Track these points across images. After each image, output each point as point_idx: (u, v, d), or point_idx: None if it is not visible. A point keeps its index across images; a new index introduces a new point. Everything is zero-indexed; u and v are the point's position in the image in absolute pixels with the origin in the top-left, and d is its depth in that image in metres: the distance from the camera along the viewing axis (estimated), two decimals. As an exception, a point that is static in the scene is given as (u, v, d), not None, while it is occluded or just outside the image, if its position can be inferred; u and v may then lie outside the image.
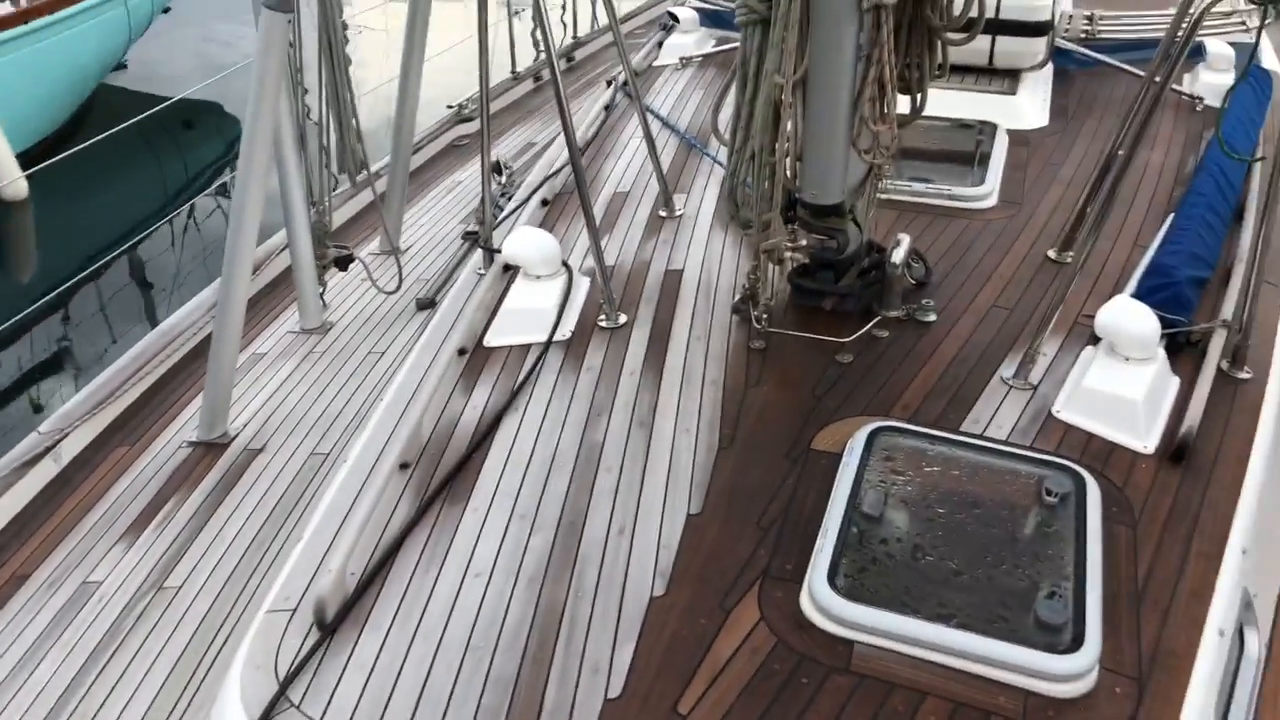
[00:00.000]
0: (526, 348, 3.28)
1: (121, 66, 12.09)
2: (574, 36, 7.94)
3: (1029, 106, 4.76)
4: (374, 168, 5.52)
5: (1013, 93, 4.80)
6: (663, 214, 4.08)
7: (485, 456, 2.82)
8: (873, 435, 2.70)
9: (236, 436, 3.57)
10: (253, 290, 4.53)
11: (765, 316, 3.18)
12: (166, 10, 12.36)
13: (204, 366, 3.56)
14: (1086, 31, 5.19)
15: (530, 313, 3.36)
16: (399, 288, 4.31)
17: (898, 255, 3.25)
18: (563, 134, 3.48)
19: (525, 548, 2.51)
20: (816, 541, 2.40)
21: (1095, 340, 3.06)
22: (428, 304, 4.27)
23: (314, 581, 2.43)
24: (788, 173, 3.06)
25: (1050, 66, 5.02)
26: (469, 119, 6.29)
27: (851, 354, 3.12)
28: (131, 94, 11.66)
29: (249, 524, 3.16)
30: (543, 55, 7.73)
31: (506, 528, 2.57)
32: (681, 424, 2.89)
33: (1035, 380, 3.02)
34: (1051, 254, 3.67)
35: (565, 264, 3.53)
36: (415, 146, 5.88)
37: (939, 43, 3.11)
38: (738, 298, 3.35)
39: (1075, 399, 2.89)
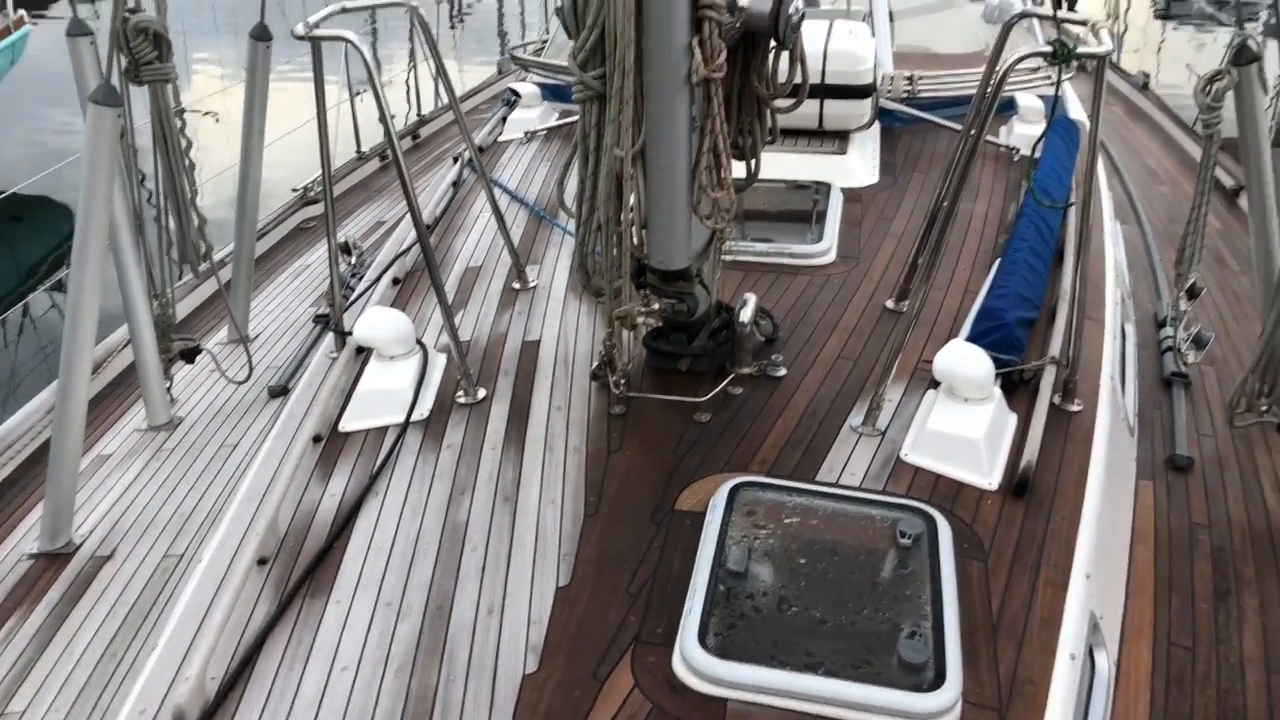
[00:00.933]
0: (384, 430, 3.24)
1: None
2: (419, 114, 7.98)
3: (859, 165, 4.99)
4: (218, 255, 5.43)
5: (843, 153, 5.03)
6: (516, 286, 4.11)
7: (346, 546, 2.77)
8: (733, 491, 2.76)
9: (82, 544, 3.41)
10: (96, 388, 4.37)
11: (623, 381, 3.23)
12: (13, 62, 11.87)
13: (44, 473, 3.40)
14: (908, 91, 5.48)
15: (386, 394, 3.33)
16: (249, 377, 4.21)
17: (745, 314, 3.35)
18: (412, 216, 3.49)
19: (392, 636, 2.46)
20: (685, 603, 2.43)
21: (935, 384, 3.20)
22: (280, 391, 4.18)
23: (172, 689, 2.33)
24: (634, 241, 3.13)
25: (877, 126, 5.28)
26: (315, 201, 6.23)
27: (709, 413, 3.19)
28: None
29: (99, 636, 3.01)
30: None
31: (372, 617, 2.52)
32: (546, 495, 2.89)
33: (883, 426, 3.14)
34: (889, 304, 3.84)
35: (420, 342, 3.52)
36: (261, 231, 5.79)
37: (768, 111, 3.24)
38: (595, 365, 3.40)
39: (921, 442, 3.02)
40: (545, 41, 7.18)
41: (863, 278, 4.04)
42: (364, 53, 3.39)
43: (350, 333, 3.60)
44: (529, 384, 3.42)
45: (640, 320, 3.14)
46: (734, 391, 3.29)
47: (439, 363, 3.53)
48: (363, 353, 3.58)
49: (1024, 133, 5.35)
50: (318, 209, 6.17)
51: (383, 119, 3.43)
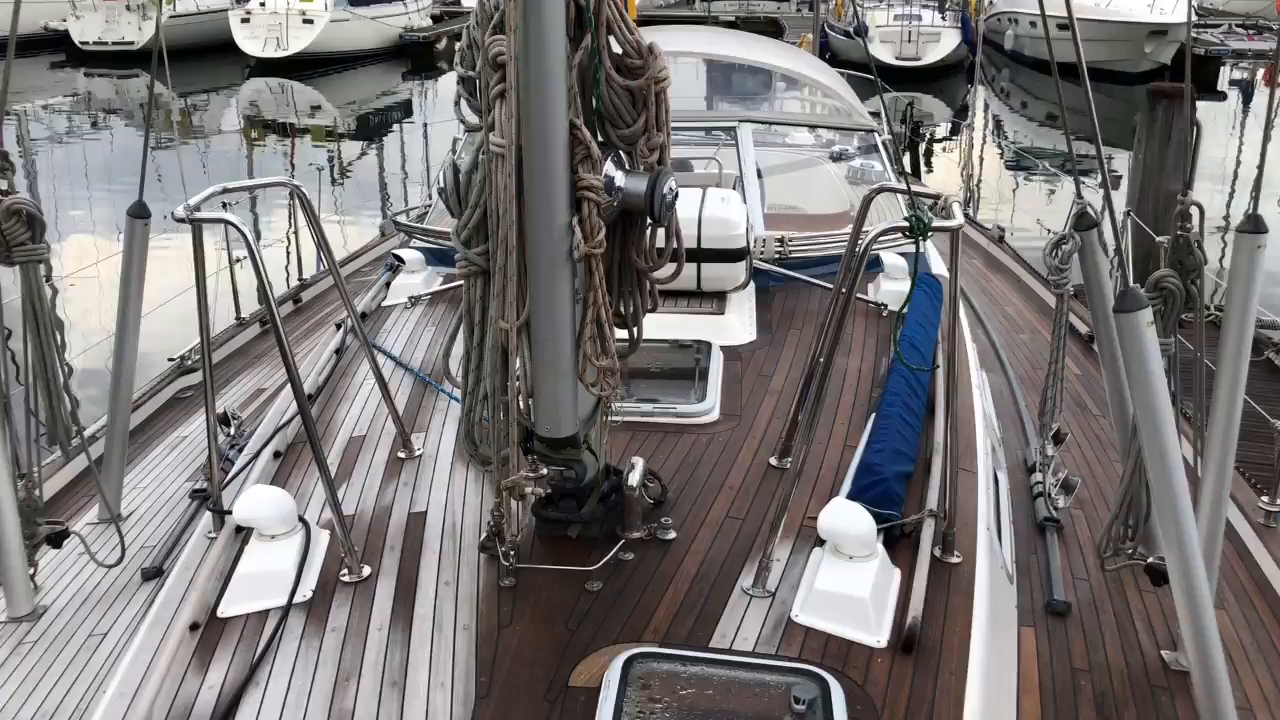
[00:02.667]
0: (265, 614, 3.13)
1: None
2: (300, 278, 7.97)
3: (737, 324, 5.15)
4: (90, 430, 5.25)
5: (722, 312, 5.19)
6: (402, 455, 4.07)
7: None
8: (627, 664, 2.74)
9: None
10: None
11: (512, 553, 3.20)
12: None
13: None
14: (779, 252, 5.73)
15: (267, 576, 3.23)
16: (121, 559, 4.04)
17: (634, 477, 3.38)
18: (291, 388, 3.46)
19: None
20: None
21: (820, 541, 3.26)
22: (154, 573, 4.01)
23: None
24: (521, 409, 3.17)
25: (752, 286, 5.48)
26: (192, 370, 6.12)
27: (600, 581, 3.18)
28: None
29: None
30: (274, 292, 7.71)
31: None
32: (435, 678, 2.82)
33: (772, 588, 3.17)
34: (773, 461, 3.92)
35: (302, 520, 3.44)
36: (135, 403, 5.64)
37: (648, 281, 3.35)
38: (484, 536, 3.37)
39: (810, 602, 3.05)
40: (429, 205, 7.31)
41: (746, 435, 4.13)
42: (246, 234, 3.42)
43: (230, 511, 3.51)
44: (415, 559, 3.36)
45: (529, 490, 3.14)
46: (625, 557, 3.29)
47: (322, 540, 3.45)
48: (242, 531, 3.48)
49: (890, 289, 5.61)
50: (195, 378, 6.06)
51: (262, 289, 3.43)
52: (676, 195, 3.14)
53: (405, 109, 30.13)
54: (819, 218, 7.03)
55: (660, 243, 3.32)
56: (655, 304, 3.40)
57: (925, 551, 3.28)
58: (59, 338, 3.80)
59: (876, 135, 7.12)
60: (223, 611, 3.16)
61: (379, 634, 3.01)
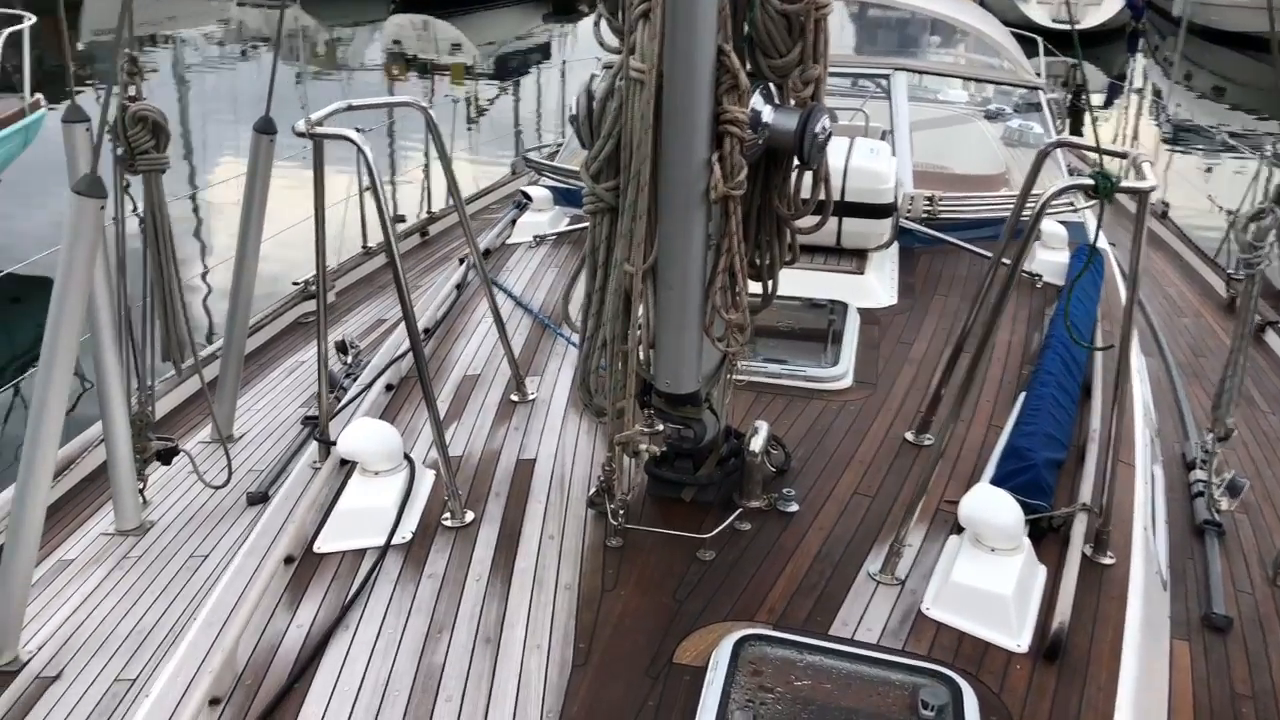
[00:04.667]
0: (362, 553, 3.00)
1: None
2: (429, 211, 7.88)
3: (877, 285, 4.82)
4: (209, 350, 5.25)
5: (861, 272, 4.86)
6: (514, 398, 3.90)
7: (309, 687, 2.51)
8: (738, 646, 2.51)
9: (29, 662, 3.14)
10: (66, 485, 4.14)
11: (622, 512, 2.99)
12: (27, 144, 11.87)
13: None
14: (928, 211, 5.35)
15: (367, 513, 3.10)
16: (228, 481, 3.98)
17: (756, 443, 3.13)
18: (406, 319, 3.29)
19: None
20: None
21: (959, 529, 2.97)
22: (259, 498, 3.95)
23: None
24: (641, 361, 2.94)
25: (895, 246, 5.13)
26: (314, 295, 6.06)
27: (713, 550, 2.95)
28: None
29: None
30: (401, 226, 7.65)
31: None
32: (532, 639, 2.64)
33: (902, 575, 2.89)
34: (909, 436, 3.62)
35: (408, 457, 3.30)
36: (258, 324, 5.63)
37: (788, 230, 3.07)
38: (593, 490, 3.17)
39: (944, 596, 2.77)
40: (560, 144, 7.11)
41: (880, 406, 3.83)
42: (366, 153, 3.24)
43: (335, 443, 3.39)
44: (521, 508, 3.18)
45: (643, 447, 2.92)
46: (741, 527, 3.05)
47: (427, 480, 3.30)
48: (347, 464, 3.36)
49: (1046, 259, 5.20)
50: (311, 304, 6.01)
51: (382, 219, 3.26)
52: (829, 136, 2.85)
53: (544, 51, 30.01)
54: (971, 178, 6.59)
55: (806, 190, 3.03)
56: (795, 256, 3.12)
57: (1076, 549, 2.95)
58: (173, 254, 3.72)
59: (1041, 93, 6.62)
60: (319, 547, 3.04)
61: (476, 585, 2.84)
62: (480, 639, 2.64)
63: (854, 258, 4.97)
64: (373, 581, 2.87)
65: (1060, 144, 4.02)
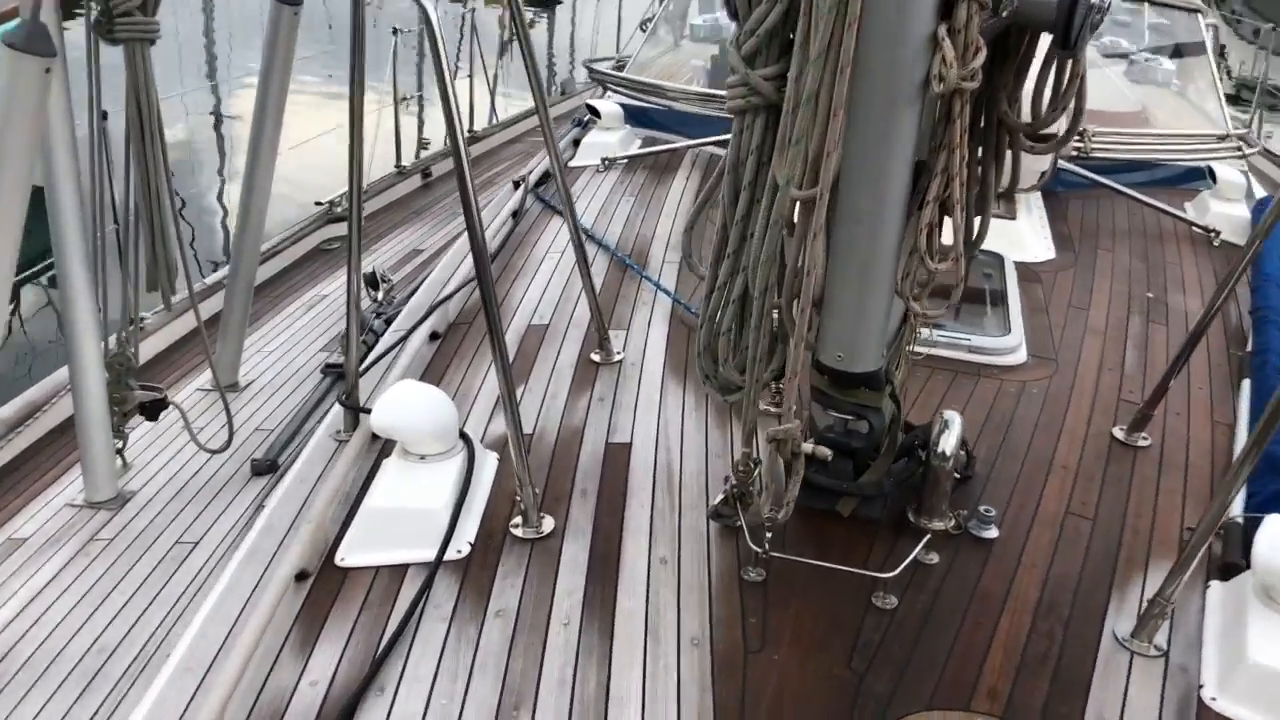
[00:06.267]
0: (402, 571, 2.17)
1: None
2: (470, 129, 6.97)
3: (1031, 235, 3.93)
4: (212, 277, 4.41)
5: (1012, 217, 3.96)
6: (596, 358, 3.05)
7: None
8: None
9: None
10: (20, 444, 3.34)
11: (768, 535, 2.15)
12: None
13: None
14: (1079, 149, 4.43)
15: (410, 515, 2.27)
16: (228, 444, 3.17)
17: (947, 441, 2.27)
18: (469, 245, 2.40)
19: None
20: None
21: (1223, 571, 2.13)
22: (268, 468, 3.14)
23: None
24: (801, 324, 2.07)
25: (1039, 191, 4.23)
26: (340, 219, 5.19)
27: (894, 595, 2.11)
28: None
29: None
30: (432, 148, 6.74)
31: None
32: None
33: (1162, 643, 2.05)
34: (1118, 434, 2.75)
35: (464, 435, 2.46)
36: (272, 250, 4.79)
37: (1013, 151, 2.19)
38: (719, 498, 2.32)
39: (1234, 680, 1.92)
40: (627, 56, 6.18)
41: (1070, 390, 2.96)
42: (434, 19, 2.32)
43: (368, 410, 2.56)
44: (617, 515, 2.34)
45: (808, 447, 2.06)
46: (927, 560, 2.21)
47: (488, 468, 2.47)
48: (380, 441, 2.54)
49: (1222, 211, 4.30)
50: (343, 228, 5.14)
51: (447, 108, 2.33)
52: (1107, 9, 1.95)
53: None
54: (1107, 115, 5.64)
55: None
56: (1016, 183, 2.24)
57: None
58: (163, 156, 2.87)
59: (1200, 18, 5.65)
60: (343, 558, 2.22)
61: (564, 633, 2.01)
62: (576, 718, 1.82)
63: (1000, 199, 4.06)
64: (418, 617, 2.04)
65: None
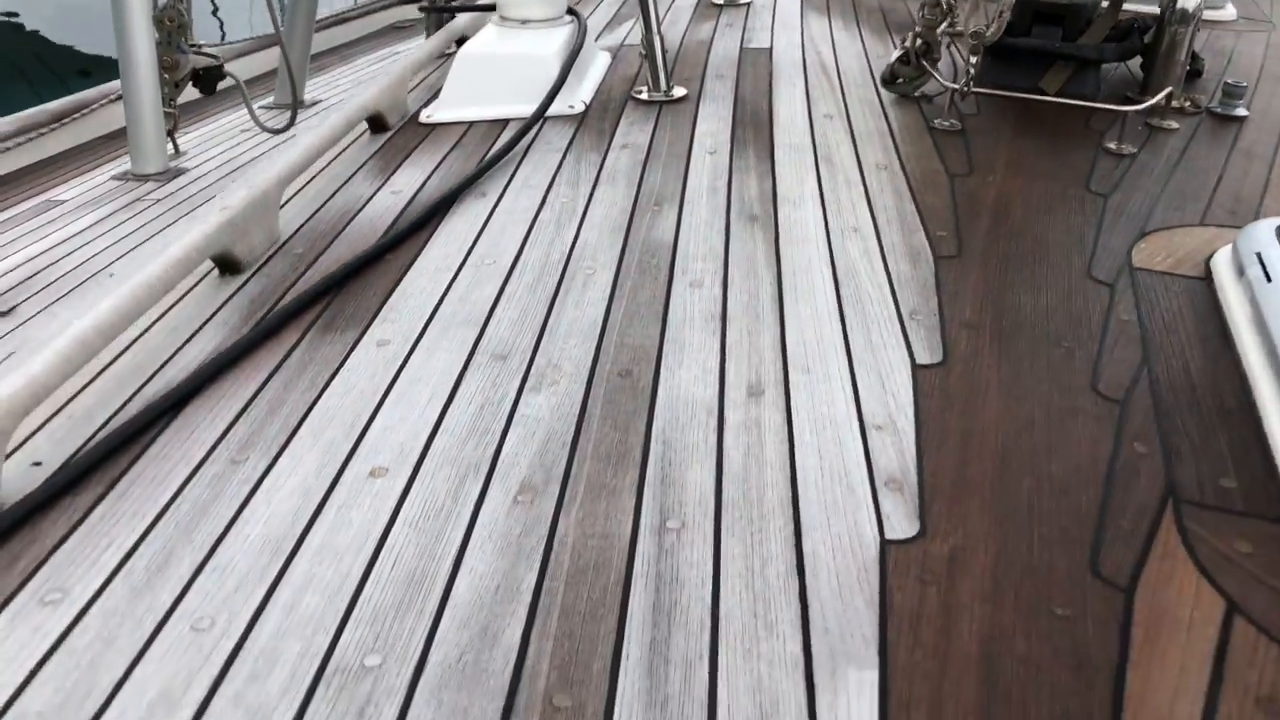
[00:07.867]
0: (501, 125, 1.76)
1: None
2: None
3: None
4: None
5: None
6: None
7: (421, 250, 1.29)
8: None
9: None
10: (71, 136, 2.99)
11: (970, 73, 1.68)
12: None
13: None
14: None
15: (513, 63, 1.85)
16: (291, 123, 2.78)
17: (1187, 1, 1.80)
18: None
19: None
20: None
21: None
22: None
23: None
24: None
25: None
26: None
27: (1132, 144, 1.64)
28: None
29: None
30: None
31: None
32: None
33: None
34: None
35: (573, 11, 2.03)
36: (341, 18, 4.39)
37: None
38: (895, 56, 1.87)
39: None
40: None
41: None
42: None
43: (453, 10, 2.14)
44: (762, 86, 1.90)
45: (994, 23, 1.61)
46: (1165, 124, 1.73)
47: (600, 54, 2.04)
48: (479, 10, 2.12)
49: None
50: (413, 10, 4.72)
51: None
52: None
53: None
54: None
55: None
56: None
57: None
58: None
59: None
60: (429, 115, 1.80)
61: (708, 159, 1.58)
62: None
63: None
64: (527, 144, 1.62)
65: None
